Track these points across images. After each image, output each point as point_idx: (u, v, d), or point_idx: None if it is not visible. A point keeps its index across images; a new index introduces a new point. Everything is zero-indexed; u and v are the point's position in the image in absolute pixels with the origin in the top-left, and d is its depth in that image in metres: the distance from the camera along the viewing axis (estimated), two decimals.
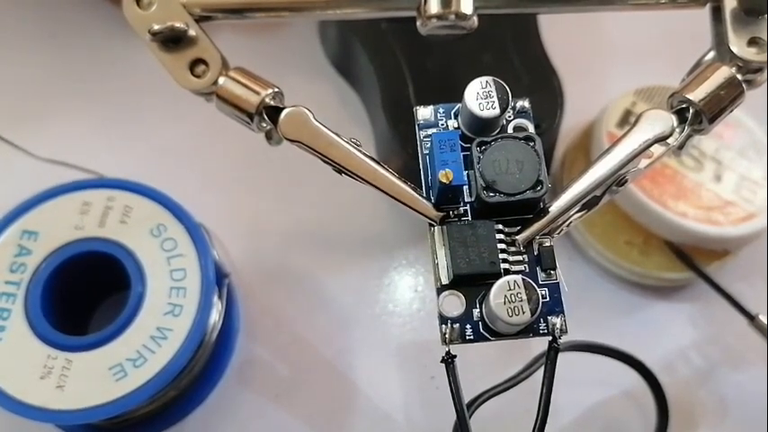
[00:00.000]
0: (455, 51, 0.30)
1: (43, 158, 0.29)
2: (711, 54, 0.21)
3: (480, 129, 0.21)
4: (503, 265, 0.19)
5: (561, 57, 0.31)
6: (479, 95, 0.20)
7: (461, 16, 0.21)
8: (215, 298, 0.26)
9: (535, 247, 0.20)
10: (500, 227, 0.20)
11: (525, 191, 0.19)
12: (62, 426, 0.26)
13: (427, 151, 0.21)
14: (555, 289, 0.20)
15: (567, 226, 0.20)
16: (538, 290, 0.19)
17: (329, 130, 0.20)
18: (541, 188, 0.19)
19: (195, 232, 0.25)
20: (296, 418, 0.28)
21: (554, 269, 0.20)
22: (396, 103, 0.29)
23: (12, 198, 0.26)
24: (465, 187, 0.20)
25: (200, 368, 0.27)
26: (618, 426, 0.29)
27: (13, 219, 0.25)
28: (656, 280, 0.30)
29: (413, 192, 0.20)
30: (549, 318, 0.19)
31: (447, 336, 0.19)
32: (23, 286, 0.24)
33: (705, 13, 0.22)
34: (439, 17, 0.21)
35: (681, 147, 0.21)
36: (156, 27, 0.20)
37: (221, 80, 0.20)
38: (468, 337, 0.19)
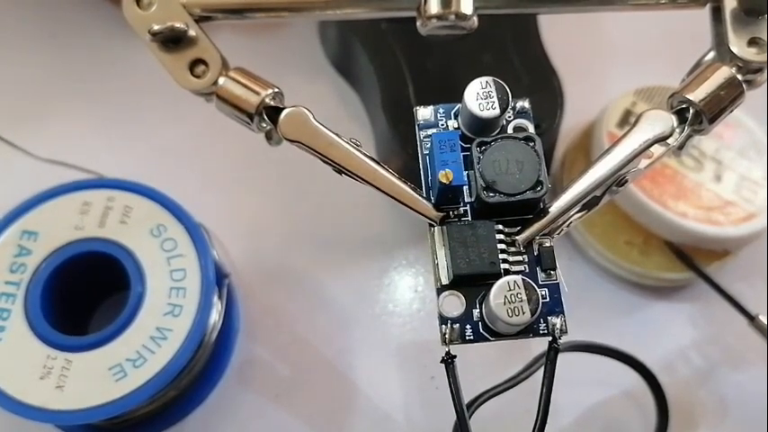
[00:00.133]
0: (455, 51, 0.30)
1: (43, 158, 0.29)
2: (711, 54, 0.21)
3: (480, 129, 0.21)
4: (503, 266, 0.19)
5: (561, 57, 0.31)
6: (479, 96, 0.20)
7: (461, 16, 0.21)
8: (215, 298, 0.26)
9: (535, 247, 0.20)
10: (500, 227, 0.20)
11: (525, 191, 0.19)
12: (62, 426, 0.26)
13: (427, 151, 0.21)
14: (555, 289, 0.20)
15: (567, 226, 0.20)
16: (538, 290, 0.19)
17: (329, 130, 0.20)
18: (541, 188, 0.19)
19: (195, 232, 0.25)
20: (296, 418, 0.28)
21: (554, 269, 0.20)
22: (396, 104, 0.29)
23: (12, 198, 0.26)
24: (465, 187, 0.20)
25: (200, 368, 0.27)
26: (618, 426, 0.29)
27: (13, 219, 0.25)
28: (656, 280, 0.30)
29: (413, 192, 0.20)
30: (549, 318, 0.19)
31: (447, 336, 0.19)
32: (23, 286, 0.24)
33: (705, 13, 0.22)
34: (439, 17, 0.21)
35: (681, 147, 0.21)
36: (155, 27, 0.20)
37: (221, 80, 0.20)
38: (468, 338, 0.19)
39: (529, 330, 0.19)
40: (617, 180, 0.20)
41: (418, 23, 0.21)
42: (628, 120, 0.30)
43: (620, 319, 0.30)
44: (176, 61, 0.21)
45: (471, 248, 0.19)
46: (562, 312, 0.19)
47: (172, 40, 0.21)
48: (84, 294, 0.27)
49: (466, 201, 0.20)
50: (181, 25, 0.20)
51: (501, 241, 0.20)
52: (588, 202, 0.20)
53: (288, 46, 0.35)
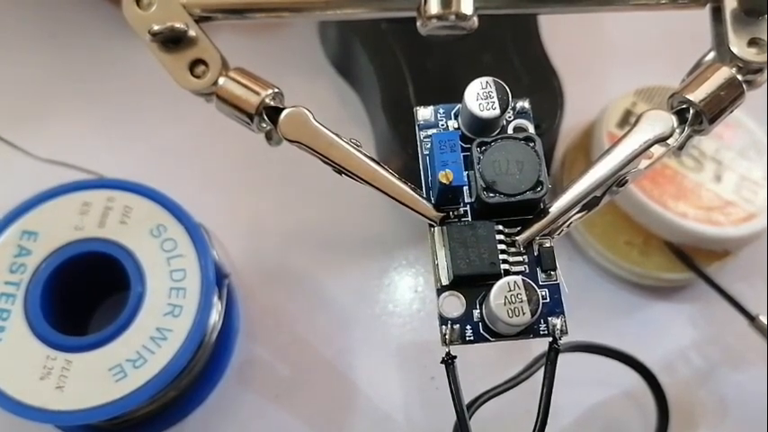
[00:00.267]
0: (455, 52, 0.30)
1: (43, 159, 0.29)
2: (711, 54, 0.21)
3: (480, 129, 0.21)
4: (503, 266, 0.19)
5: (561, 57, 0.31)
6: (479, 96, 0.20)
7: (461, 17, 0.21)
8: (215, 298, 0.26)
9: (535, 247, 0.20)
10: (500, 227, 0.20)
11: (525, 191, 0.19)
12: (62, 426, 0.26)
13: (427, 152, 0.21)
14: (555, 290, 0.20)
15: (568, 227, 0.20)
16: (538, 291, 0.19)
17: (329, 130, 0.20)
18: (541, 189, 0.19)
19: (195, 232, 0.25)
20: (296, 418, 0.28)
21: (554, 270, 0.20)
22: (396, 104, 0.29)
23: (12, 198, 0.26)
24: (465, 188, 0.20)
25: (200, 368, 0.27)
26: (618, 426, 0.29)
27: (12, 219, 0.25)
28: (656, 280, 0.30)
29: (413, 192, 0.20)
30: (550, 318, 0.19)
31: (447, 336, 0.19)
32: (23, 287, 0.24)
33: (705, 13, 0.22)
34: (439, 17, 0.21)
35: (681, 147, 0.21)
36: (155, 27, 0.20)
37: (221, 80, 0.20)
38: (468, 338, 0.19)
39: (529, 331, 0.19)
40: (617, 180, 0.20)
41: (418, 23, 0.21)
42: (628, 120, 0.30)
43: (621, 320, 0.30)
44: (176, 61, 0.21)
45: (471, 249, 0.19)
46: (562, 313, 0.19)
47: (172, 41, 0.21)
48: (84, 295, 0.27)
49: (466, 201, 0.20)
50: (181, 25, 0.20)
51: (501, 242, 0.20)
52: (588, 203, 0.20)
53: (288, 46, 0.35)
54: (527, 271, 0.20)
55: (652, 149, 0.20)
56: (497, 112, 0.20)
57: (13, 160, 0.29)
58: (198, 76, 0.20)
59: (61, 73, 0.34)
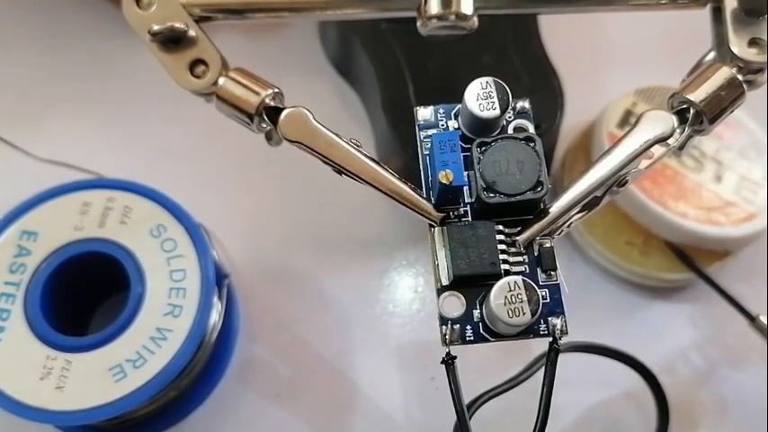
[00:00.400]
0: (455, 52, 0.30)
1: (43, 159, 0.29)
2: (712, 54, 0.21)
3: (480, 129, 0.21)
4: (503, 266, 0.19)
5: (561, 57, 0.31)
6: (480, 96, 0.20)
7: (462, 17, 0.21)
8: (215, 298, 0.25)
9: (535, 247, 0.20)
10: (500, 228, 0.20)
11: (526, 191, 0.19)
12: (61, 427, 0.26)
13: (427, 152, 0.21)
14: (555, 290, 0.20)
15: (568, 227, 0.20)
16: (538, 291, 0.19)
17: (329, 130, 0.20)
18: (542, 189, 0.19)
19: (195, 233, 0.25)
20: (296, 418, 0.28)
21: (554, 270, 0.20)
22: (396, 104, 0.29)
23: (12, 198, 0.26)
24: (465, 188, 0.20)
25: (201, 368, 0.27)
26: (618, 426, 0.29)
27: (12, 219, 0.25)
28: (656, 280, 0.30)
29: (413, 192, 0.20)
30: (550, 319, 0.19)
31: (447, 337, 0.19)
32: (23, 287, 0.24)
33: (705, 13, 0.22)
34: (439, 17, 0.21)
35: (681, 147, 0.21)
36: (155, 27, 0.20)
37: (221, 81, 0.20)
38: (468, 338, 0.19)
39: (529, 331, 0.19)
40: (617, 180, 0.20)
41: (418, 24, 0.21)
42: (628, 120, 0.30)
43: (621, 320, 0.30)
44: (176, 61, 0.21)
45: (471, 249, 0.19)
46: (562, 313, 0.19)
47: (172, 41, 0.21)
48: (83, 295, 0.27)
49: (466, 201, 0.20)
50: (181, 25, 0.20)
51: (501, 242, 0.20)
52: (589, 203, 0.20)
53: (288, 46, 0.35)
54: (527, 271, 0.20)
55: (652, 149, 0.20)
56: (497, 112, 0.20)
57: (13, 160, 0.29)
58: (198, 76, 0.20)
59: (61, 73, 0.34)
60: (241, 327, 0.29)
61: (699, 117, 0.20)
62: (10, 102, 0.33)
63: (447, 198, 0.20)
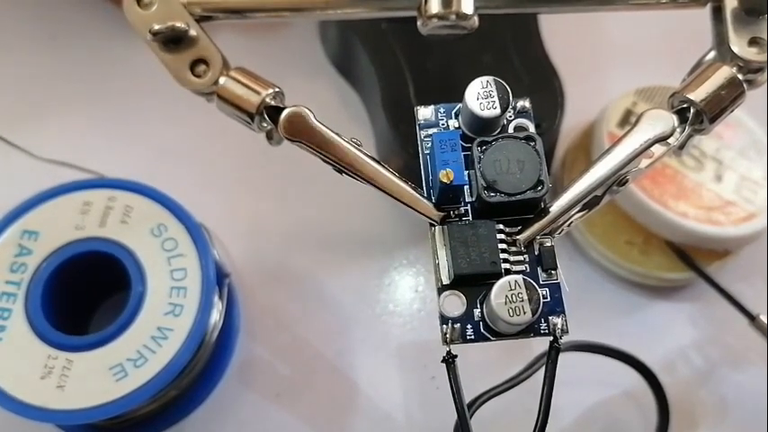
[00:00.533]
0: (455, 51, 0.30)
1: (43, 158, 0.29)
2: (712, 54, 0.21)
3: (481, 129, 0.21)
4: (504, 265, 0.19)
5: (561, 57, 0.31)
6: (480, 95, 0.20)
7: (462, 16, 0.21)
8: (215, 298, 0.26)
9: (536, 246, 0.20)
10: (501, 227, 0.20)
11: (526, 191, 0.19)
12: (62, 426, 0.26)
13: (428, 151, 0.21)
14: (556, 289, 0.20)
15: (568, 226, 0.20)
16: (539, 290, 0.19)
17: (330, 129, 0.20)
18: (542, 188, 0.19)
19: (196, 232, 0.25)
20: (296, 417, 0.28)
21: (555, 269, 0.20)
22: (396, 103, 0.29)
23: (12, 198, 0.26)
24: (466, 187, 0.20)
25: (201, 368, 0.27)
26: (618, 426, 0.29)
27: (13, 219, 0.25)
28: (656, 280, 0.30)
29: (413, 191, 0.20)
30: (550, 318, 0.19)
31: (448, 336, 0.19)
32: (24, 286, 0.24)
33: (705, 13, 0.22)
34: (440, 17, 0.21)
35: (681, 147, 0.21)
36: (156, 27, 0.20)
37: (222, 80, 0.20)
38: (468, 337, 0.19)
39: (530, 330, 0.19)
40: (618, 180, 0.20)
41: (419, 23, 0.21)
42: (628, 119, 0.30)
43: (621, 319, 0.30)
44: (177, 61, 0.21)
45: (472, 248, 0.19)
46: (563, 312, 0.19)
47: (172, 40, 0.21)
48: (84, 294, 0.27)
49: (467, 200, 0.20)
50: (181, 25, 0.20)
51: (502, 241, 0.20)
52: (589, 202, 0.20)
53: (288, 46, 0.35)
54: (528, 270, 0.20)
55: (652, 149, 0.20)
56: (498, 111, 0.20)
57: (14, 160, 0.29)
58: (199, 76, 0.21)
59: (61, 73, 0.34)
60: (241, 326, 0.29)
61: (699, 116, 0.20)
62: (10, 102, 0.33)
63: (447, 197, 0.20)
